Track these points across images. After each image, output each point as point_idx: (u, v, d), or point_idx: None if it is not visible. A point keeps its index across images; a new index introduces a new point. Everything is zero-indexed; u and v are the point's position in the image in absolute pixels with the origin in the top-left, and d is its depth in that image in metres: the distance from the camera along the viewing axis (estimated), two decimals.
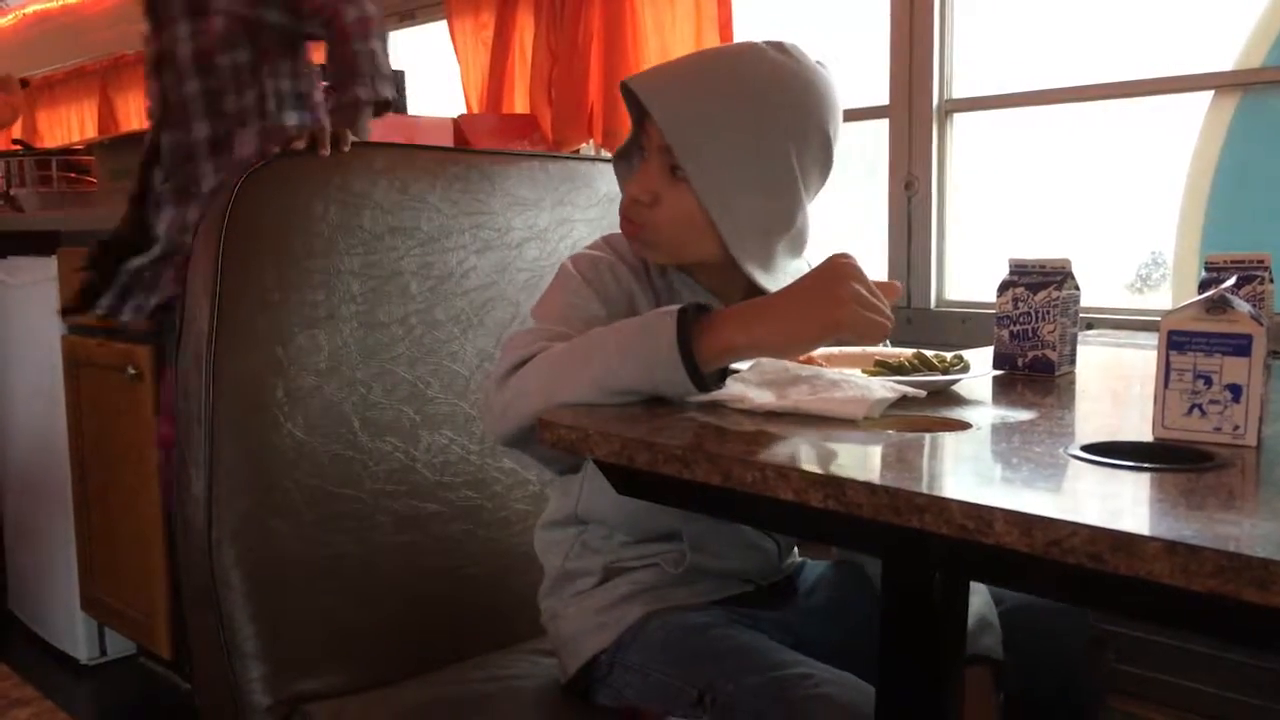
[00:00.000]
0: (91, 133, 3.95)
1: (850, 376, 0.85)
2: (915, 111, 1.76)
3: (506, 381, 0.93)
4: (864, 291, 0.84)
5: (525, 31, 2.24)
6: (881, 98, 1.81)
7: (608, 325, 0.93)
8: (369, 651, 1.23)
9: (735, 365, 0.90)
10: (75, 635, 2.44)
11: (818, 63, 1.03)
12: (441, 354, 1.37)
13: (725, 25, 1.88)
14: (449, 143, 2.06)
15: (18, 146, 3.57)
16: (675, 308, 0.86)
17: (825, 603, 1.14)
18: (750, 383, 0.85)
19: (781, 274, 1.02)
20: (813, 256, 1.13)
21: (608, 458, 0.76)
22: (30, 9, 4.12)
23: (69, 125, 4.14)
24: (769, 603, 1.10)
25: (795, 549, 1.23)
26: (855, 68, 1.92)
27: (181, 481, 1.20)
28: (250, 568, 1.17)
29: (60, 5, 3.90)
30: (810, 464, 0.65)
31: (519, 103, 2.27)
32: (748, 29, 1.93)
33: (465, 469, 1.37)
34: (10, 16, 4.24)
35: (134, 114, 3.75)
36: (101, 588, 2.33)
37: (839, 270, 0.85)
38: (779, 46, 1.02)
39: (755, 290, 0.99)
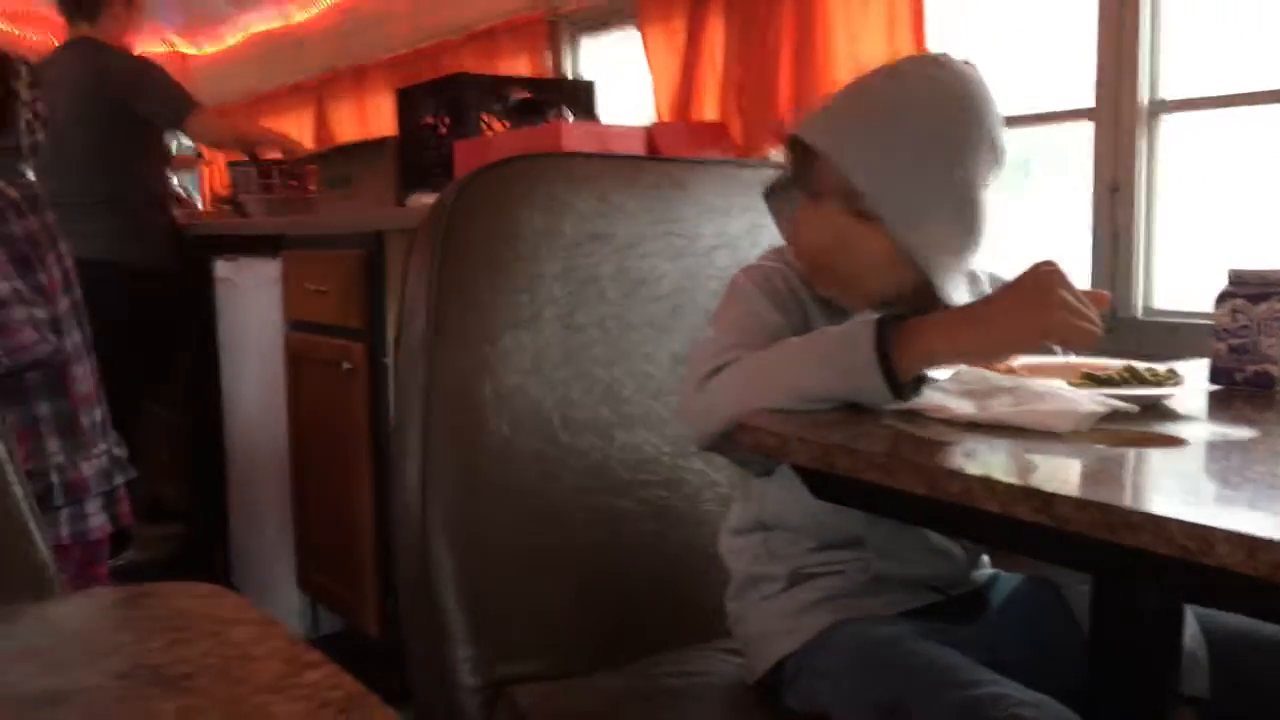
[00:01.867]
0: (308, 143, 4.23)
1: (1056, 389, 0.84)
2: (1122, 112, 1.70)
3: (705, 386, 0.96)
4: (1071, 298, 0.83)
5: (716, 39, 2.27)
6: (1085, 99, 1.76)
7: (799, 334, 0.96)
8: (566, 640, 1.29)
9: (932, 374, 0.90)
10: (292, 612, 2.63)
11: (965, 63, 1.02)
12: (636, 356, 1.42)
13: (918, 31, 1.86)
14: (641, 151, 2.12)
15: (245, 157, 3.88)
16: (874, 317, 0.88)
17: (1019, 619, 1.12)
18: (949, 392, 0.85)
19: (966, 284, 1.02)
20: (1000, 264, 1.12)
21: (808, 462, 0.78)
22: (256, 29, 4.44)
23: (288, 132, 4.45)
24: (960, 616, 1.10)
25: (986, 558, 1.22)
26: (1055, 68, 1.86)
27: (397, 472, 1.29)
28: (459, 556, 1.25)
29: (282, 25, 4.19)
30: (1018, 476, 0.65)
31: (709, 110, 2.31)
32: (941, 35, 1.90)
33: (658, 468, 1.41)
34: (239, 36, 4.59)
35: (346, 125, 4.00)
36: (317, 568, 2.50)
37: (1046, 277, 0.85)
38: (930, 61, 1.02)
39: (925, 292, 1.00)
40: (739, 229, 1.53)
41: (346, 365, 2.20)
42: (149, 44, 5.06)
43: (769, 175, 1.59)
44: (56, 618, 0.45)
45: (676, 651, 1.30)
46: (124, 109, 2.89)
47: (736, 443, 0.85)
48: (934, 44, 1.88)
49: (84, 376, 1.83)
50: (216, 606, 0.46)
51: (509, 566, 1.28)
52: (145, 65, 2.98)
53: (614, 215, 1.43)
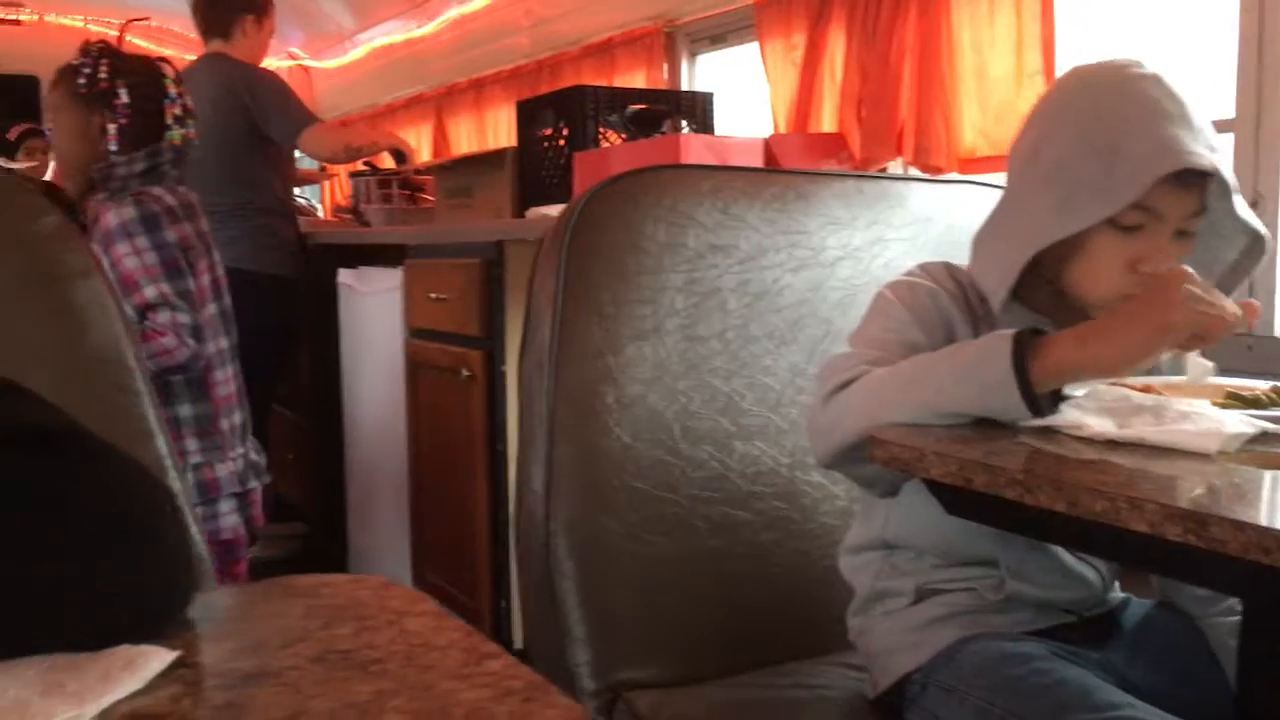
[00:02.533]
0: (427, 154, 4.35)
1: (1200, 409, 0.82)
2: (1264, 123, 1.64)
3: (832, 400, 0.97)
4: (1197, 291, 0.82)
5: (836, 51, 2.27)
6: (1225, 110, 1.70)
7: (933, 351, 0.95)
8: (683, 648, 1.30)
9: (1070, 391, 0.89)
10: None
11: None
12: (756, 368, 1.43)
13: (1048, 43, 1.83)
14: (759, 163, 2.12)
15: (366, 168, 4.00)
16: (1010, 332, 0.87)
17: (1152, 646, 1.09)
18: (1088, 409, 0.84)
19: None
20: None
21: (943, 478, 0.78)
22: (377, 43, 4.59)
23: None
24: (1092, 638, 1.07)
25: (1118, 583, 1.19)
26: (1193, 79, 1.81)
27: (523, 478, 1.32)
28: (581, 560, 1.27)
29: (404, 39, 4.32)
30: (1166, 496, 0.64)
31: (827, 122, 2.30)
32: (1070, 48, 1.87)
33: (775, 480, 1.41)
34: (362, 50, 4.75)
35: (464, 137, 4.10)
36: (431, 568, 2.56)
37: (1167, 276, 0.84)
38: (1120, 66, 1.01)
39: (1082, 308, 0.99)
40: (862, 241, 1.52)
41: (466, 373, 2.26)
42: (275, 59, 5.27)
43: (892, 188, 1.59)
44: (244, 603, 0.48)
45: (794, 664, 1.30)
46: (249, 122, 3.02)
47: (870, 457, 0.85)
48: (1065, 58, 1.85)
49: (226, 381, 1.92)
50: (391, 598, 0.48)
51: (628, 573, 1.30)
52: (266, 80, 3.11)
53: (736, 227, 1.43)
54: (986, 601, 1.06)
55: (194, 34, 4.81)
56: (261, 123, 3.03)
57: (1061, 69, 1.86)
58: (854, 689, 1.20)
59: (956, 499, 0.82)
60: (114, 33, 5.91)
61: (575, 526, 1.28)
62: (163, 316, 1.77)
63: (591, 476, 1.30)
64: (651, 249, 1.37)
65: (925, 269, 1.11)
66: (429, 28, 4.03)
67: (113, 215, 1.79)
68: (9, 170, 3.57)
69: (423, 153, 4.40)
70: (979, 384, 0.86)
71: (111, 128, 1.84)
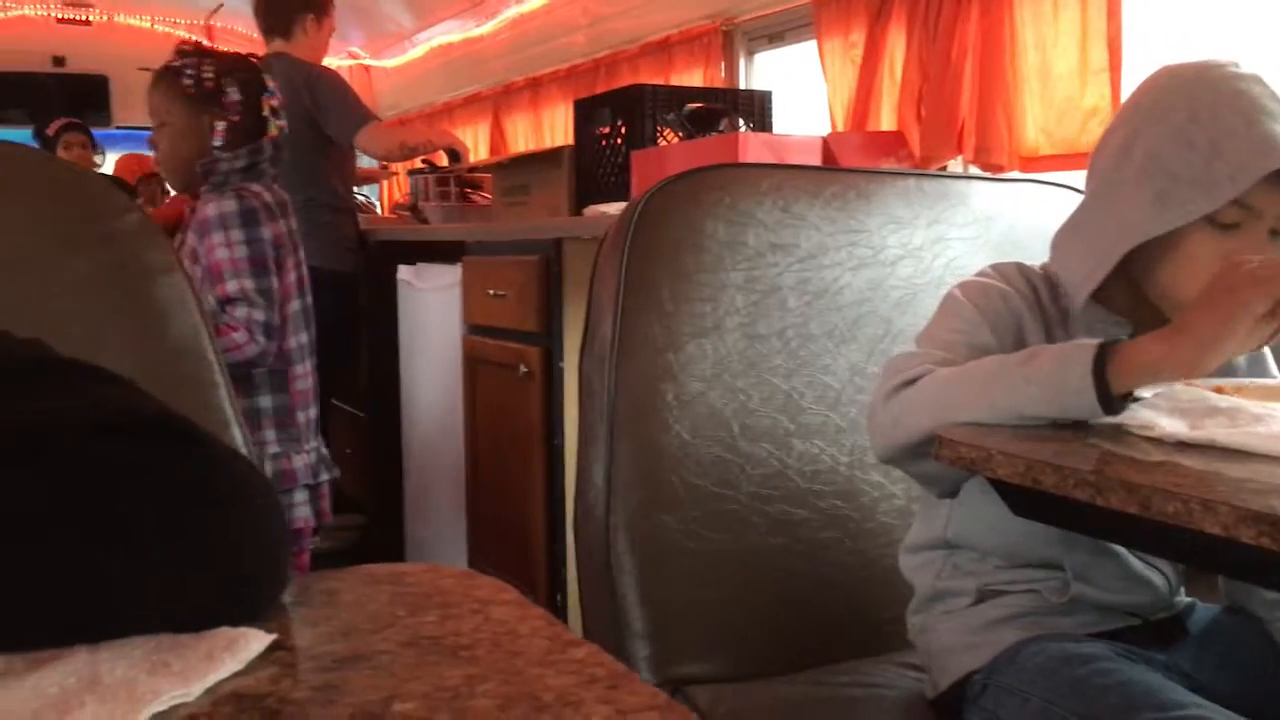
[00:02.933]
0: (484, 152, 4.39)
1: (1275, 411, 0.81)
2: None
3: (895, 397, 0.96)
4: (1263, 265, 0.82)
5: (896, 49, 2.26)
6: None
7: (1002, 354, 0.95)
8: (741, 643, 1.31)
9: (1140, 392, 0.88)
10: None
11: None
12: (815, 366, 1.43)
13: (1114, 40, 1.81)
14: (817, 161, 2.12)
15: (424, 166, 4.05)
16: (1093, 342, 0.86)
17: (1219, 649, 1.08)
18: (1160, 409, 0.83)
19: None
20: None
21: (1010, 478, 0.77)
22: (436, 43, 4.64)
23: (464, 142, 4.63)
24: (1157, 641, 1.06)
25: (1183, 587, 1.17)
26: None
27: (583, 473, 1.34)
28: (641, 555, 1.28)
29: (462, 39, 4.36)
30: (1240, 498, 0.64)
31: (886, 120, 2.29)
32: (1136, 45, 1.84)
33: (834, 479, 1.41)
34: (420, 50, 4.80)
35: (521, 136, 4.13)
36: (487, 561, 2.59)
37: (1230, 263, 0.84)
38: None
39: (1160, 312, 0.98)
40: (923, 240, 1.52)
41: (524, 369, 2.28)
42: (335, 58, 5.35)
43: (953, 187, 1.58)
44: (330, 590, 0.50)
45: (851, 661, 1.30)
46: (309, 120, 3.07)
47: (935, 455, 0.85)
48: (1131, 57, 1.82)
49: (304, 375, 1.97)
50: (474, 587, 0.49)
51: (687, 568, 1.30)
52: (326, 78, 3.15)
53: (797, 226, 1.44)
54: (1050, 604, 1.06)
55: (255, 34, 4.88)
56: (321, 121, 3.08)
57: (1128, 67, 1.84)
58: (912, 688, 1.20)
59: (1023, 500, 0.82)
60: (181, 33, 6.03)
61: (635, 522, 1.29)
62: (239, 311, 1.82)
63: (651, 473, 1.31)
64: (712, 247, 1.38)
65: (997, 269, 1.10)
66: (487, 27, 4.06)
67: (213, 207, 1.84)
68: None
69: (479, 151, 4.44)
70: (1056, 388, 0.85)
71: (221, 125, 1.88)
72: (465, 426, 2.63)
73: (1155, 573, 1.08)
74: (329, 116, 3.08)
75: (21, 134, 5.93)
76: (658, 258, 1.35)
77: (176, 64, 1.92)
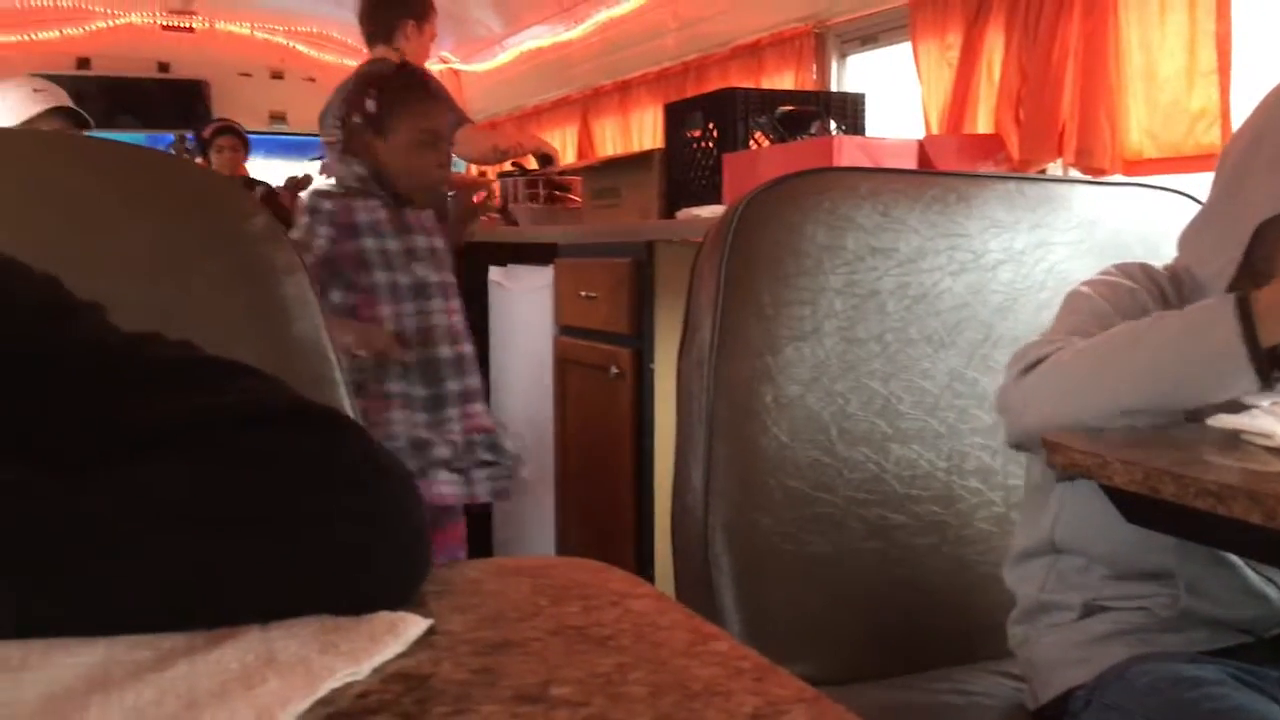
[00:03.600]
0: (572, 155, 4.44)
1: None
2: None
3: (1024, 379, 0.95)
4: None
5: (994, 50, 2.23)
6: None
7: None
8: (838, 647, 1.31)
9: (1254, 401, 0.87)
10: None
11: None
12: (914, 371, 1.42)
13: (1223, 41, 1.76)
14: (913, 164, 2.10)
15: (514, 169, 4.11)
16: (1232, 295, 0.84)
17: None
18: None
19: None
20: None
21: (1127, 486, 0.77)
22: (525, 47, 4.70)
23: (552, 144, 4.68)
24: (1270, 659, 1.04)
25: None
26: None
27: (681, 474, 1.35)
28: (738, 557, 1.29)
29: (551, 43, 4.42)
30: None
31: (982, 123, 2.26)
32: (1245, 47, 1.79)
33: (932, 484, 1.41)
34: (510, 54, 4.88)
35: (609, 139, 4.16)
36: (575, 553, 2.63)
37: None
38: None
39: None
40: (1025, 245, 1.50)
41: (615, 370, 2.31)
42: (426, 62, 5.46)
43: (1056, 191, 1.56)
44: (472, 579, 0.52)
45: (949, 669, 1.30)
46: None
47: (1047, 462, 0.84)
48: (1242, 61, 1.78)
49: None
50: (610, 580, 0.51)
51: (784, 571, 1.31)
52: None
53: (896, 230, 1.43)
54: (1158, 619, 1.04)
55: (351, 40, 4.99)
56: None
57: (1238, 69, 1.79)
58: (1011, 698, 1.19)
59: (1138, 507, 0.81)
60: (279, 39, 6.19)
61: (732, 524, 1.30)
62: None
63: (749, 475, 1.31)
64: (811, 251, 1.38)
65: (1122, 269, 1.08)
66: (576, 32, 4.11)
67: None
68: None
69: (567, 154, 4.49)
70: (1200, 352, 0.82)
71: None
72: (555, 424, 2.67)
73: (1272, 587, 1.05)
74: None
75: (134, 137, 6.17)
76: (757, 262, 1.36)
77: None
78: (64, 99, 2.10)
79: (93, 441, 0.47)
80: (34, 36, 5.72)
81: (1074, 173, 2.07)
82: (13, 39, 5.71)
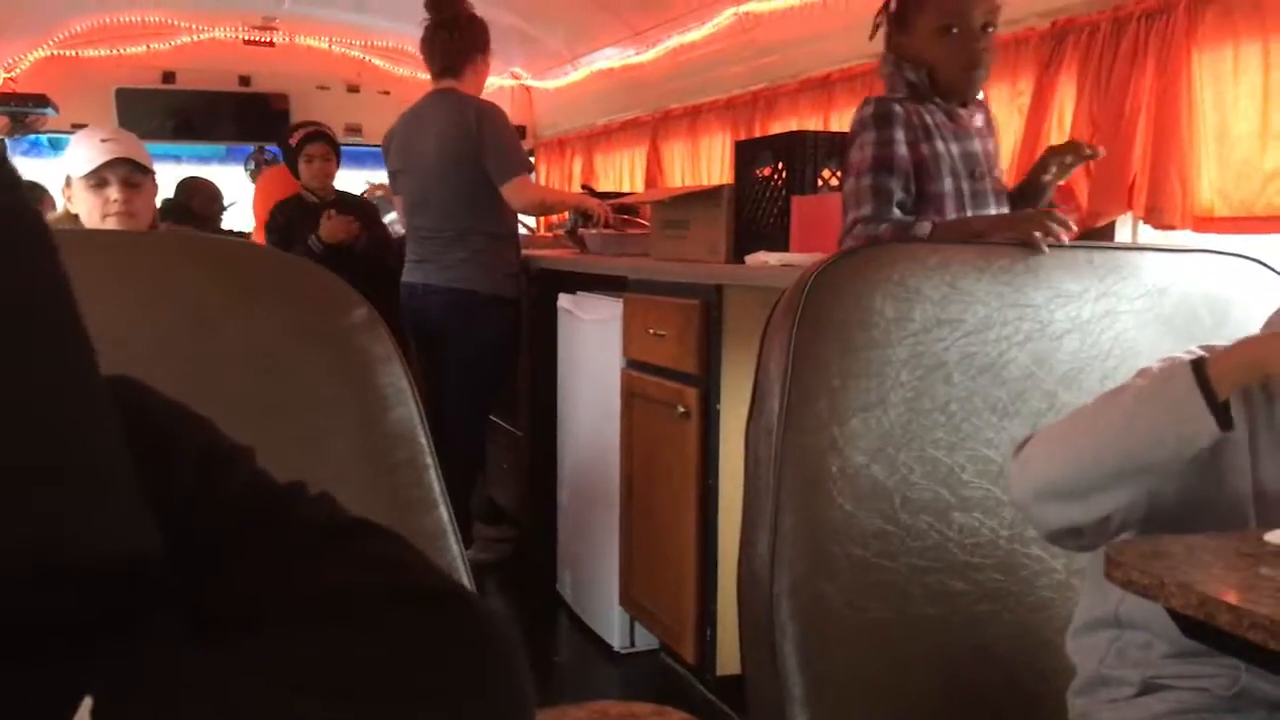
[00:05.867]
0: (639, 176, 4.49)
1: None
2: None
3: (1017, 455, 1.04)
4: None
5: (1065, 98, 2.24)
6: None
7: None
8: (900, 713, 1.35)
9: None
10: (611, 624, 2.83)
11: None
12: (978, 440, 1.45)
13: None
14: None
15: (584, 191, 4.17)
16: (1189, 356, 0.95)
17: None
18: None
19: None
20: None
21: (1184, 609, 0.80)
22: (596, 67, 4.76)
23: (620, 169, 4.73)
24: None
25: None
26: None
27: (748, 538, 1.40)
28: (803, 623, 1.34)
29: (622, 66, 4.47)
30: None
31: None
32: None
33: (994, 552, 1.44)
34: (581, 73, 4.94)
35: (678, 162, 4.21)
36: (637, 589, 2.68)
37: None
38: None
39: None
40: (1091, 314, 1.52)
41: (681, 409, 2.36)
42: (497, 77, 5.55)
43: (1125, 259, 1.57)
44: None
45: None
46: (475, 151, 3.18)
47: (1106, 575, 0.88)
48: None
49: None
50: None
51: (848, 636, 1.35)
52: (496, 118, 3.23)
53: (963, 301, 1.46)
54: (1217, 699, 1.07)
55: (409, 47, 5.03)
56: (482, 155, 3.19)
57: None
58: None
59: (1196, 627, 0.84)
60: (355, 53, 6.31)
61: (797, 590, 1.34)
62: None
63: (814, 543, 1.36)
64: (879, 323, 1.42)
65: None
66: (647, 55, 4.16)
67: None
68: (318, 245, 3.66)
69: (636, 175, 4.55)
70: (1165, 401, 0.93)
71: None
72: (621, 455, 2.72)
73: None
74: (489, 154, 3.18)
75: (214, 149, 6.36)
76: (825, 334, 1.41)
77: None
78: (130, 148, 2.17)
79: (239, 602, 0.53)
80: (122, 51, 5.92)
81: (1142, 229, 2.08)
82: (103, 54, 5.91)
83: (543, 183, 5.72)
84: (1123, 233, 2.16)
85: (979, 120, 1.91)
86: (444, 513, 1.07)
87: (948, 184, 1.84)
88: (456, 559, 1.07)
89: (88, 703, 0.37)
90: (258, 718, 0.46)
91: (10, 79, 5.67)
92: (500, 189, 3.21)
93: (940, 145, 1.84)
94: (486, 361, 3.35)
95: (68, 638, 0.46)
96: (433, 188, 3.29)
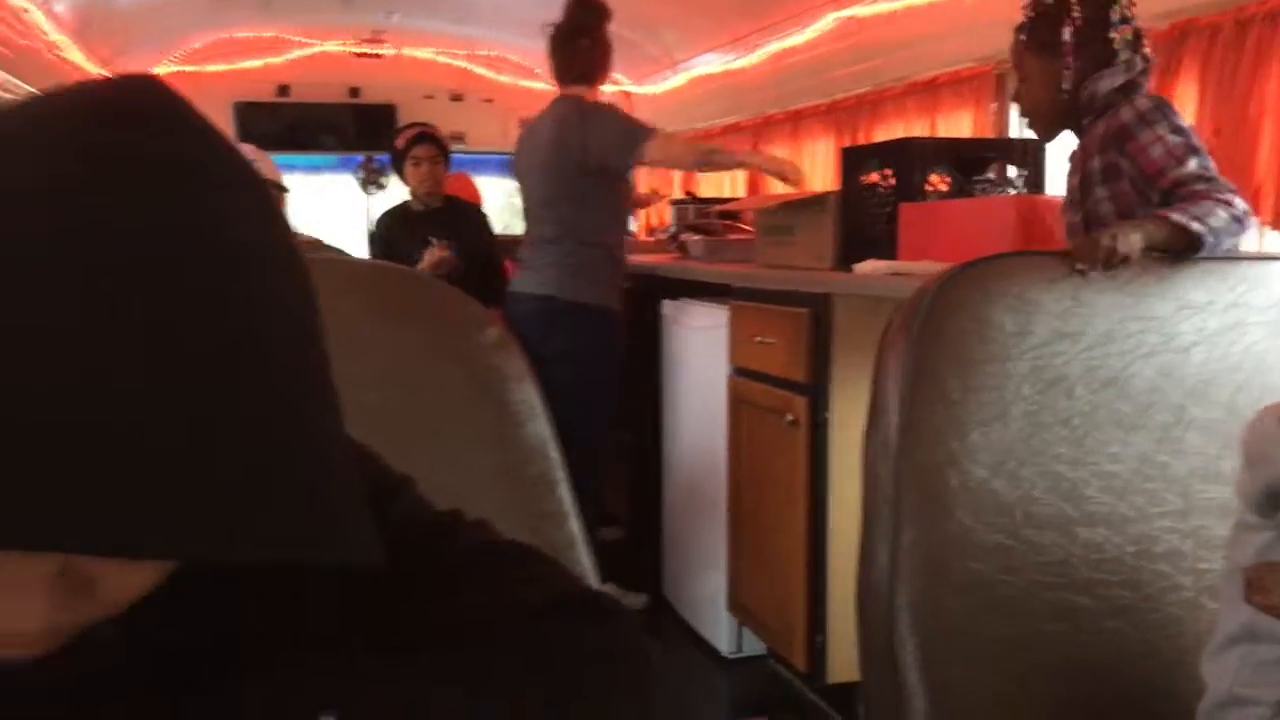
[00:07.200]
0: (740, 181, 4.50)
1: None
2: None
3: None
4: None
5: (1186, 101, 2.18)
6: None
7: None
8: None
9: None
10: (719, 630, 2.85)
11: None
12: (1101, 455, 1.43)
13: None
14: None
15: (687, 196, 4.21)
16: None
17: None
18: None
19: None
20: None
21: None
22: (697, 72, 4.79)
23: (721, 174, 4.75)
24: None
25: None
26: None
27: (867, 552, 1.41)
28: (923, 638, 1.34)
29: (722, 70, 4.49)
30: None
31: None
32: None
33: (1119, 568, 1.42)
34: (682, 78, 4.98)
35: None
36: (746, 595, 2.70)
37: None
38: None
39: None
40: (1219, 326, 1.49)
41: (790, 417, 2.36)
42: None
43: (1252, 269, 1.54)
44: None
45: None
46: (580, 156, 3.05)
47: (1245, 599, 0.87)
48: None
49: None
50: None
51: (969, 652, 1.35)
52: (602, 108, 3.14)
53: (1086, 314, 1.45)
54: None
55: (527, 62, 5.08)
56: (595, 148, 3.05)
57: None
58: None
59: None
60: (460, 63, 6.44)
61: (917, 605, 1.35)
62: (1200, 186, 1.77)
63: (934, 558, 1.36)
64: (999, 337, 1.41)
65: None
66: (748, 60, 4.17)
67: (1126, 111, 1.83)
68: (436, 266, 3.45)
69: (738, 181, 4.56)
70: None
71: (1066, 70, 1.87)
72: (729, 461, 2.74)
73: None
74: (604, 138, 3.04)
75: (326, 159, 6.58)
76: (944, 347, 1.40)
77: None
78: (269, 169, 2.27)
79: (414, 624, 0.57)
80: (240, 66, 6.16)
81: (1269, 234, 2.02)
82: (221, 68, 6.16)
83: (641, 189, 5.73)
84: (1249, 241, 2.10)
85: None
86: (575, 525, 1.11)
87: None
88: (588, 571, 1.10)
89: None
90: None
91: None
92: (645, 154, 3.03)
93: None
94: (599, 373, 3.15)
95: (294, 645, 0.51)
96: (536, 191, 3.22)
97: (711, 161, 3.27)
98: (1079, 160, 1.89)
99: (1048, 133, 1.95)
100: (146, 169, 0.41)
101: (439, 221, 3.60)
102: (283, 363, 0.45)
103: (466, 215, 3.79)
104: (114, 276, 0.39)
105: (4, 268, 0.38)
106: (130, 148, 0.42)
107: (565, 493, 1.11)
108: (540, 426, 1.11)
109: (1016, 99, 1.92)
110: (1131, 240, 1.57)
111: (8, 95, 4.29)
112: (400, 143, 3.65)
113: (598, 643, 0.57)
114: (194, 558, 0.41)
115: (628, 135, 3.06)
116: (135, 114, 0.44)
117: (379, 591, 0.58)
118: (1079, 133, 1.88)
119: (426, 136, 3.65)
